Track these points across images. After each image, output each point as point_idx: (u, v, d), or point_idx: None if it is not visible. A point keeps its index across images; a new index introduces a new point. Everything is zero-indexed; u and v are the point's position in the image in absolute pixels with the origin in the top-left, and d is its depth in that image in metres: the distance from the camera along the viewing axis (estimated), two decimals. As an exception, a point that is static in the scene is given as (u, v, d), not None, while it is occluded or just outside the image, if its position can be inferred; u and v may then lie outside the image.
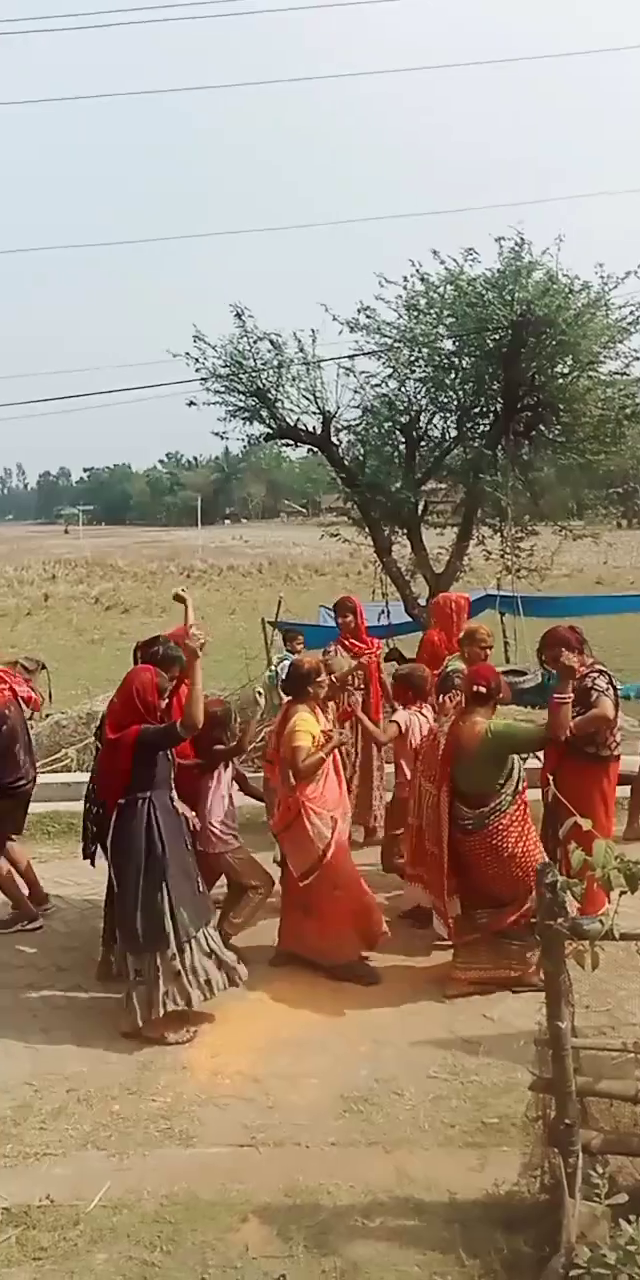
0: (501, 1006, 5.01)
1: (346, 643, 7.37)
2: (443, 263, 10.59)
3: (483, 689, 5.12)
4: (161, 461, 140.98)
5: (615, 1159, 3.38)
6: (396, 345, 10.83)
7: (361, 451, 11.40)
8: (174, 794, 5.11)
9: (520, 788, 5.11)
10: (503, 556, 12.23)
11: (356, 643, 7.42)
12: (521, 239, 10.14)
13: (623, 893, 3.02)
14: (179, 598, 5.62)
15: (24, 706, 6.35)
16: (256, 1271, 3.30)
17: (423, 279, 10.72)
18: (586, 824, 2.99)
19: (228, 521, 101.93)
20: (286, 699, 5.83)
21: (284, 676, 6.50)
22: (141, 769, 4.93)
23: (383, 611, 12.36)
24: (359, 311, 10.77)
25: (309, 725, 5.43)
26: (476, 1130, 4.02)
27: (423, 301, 10.75)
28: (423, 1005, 5.11)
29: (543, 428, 11.15)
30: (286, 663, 11.40)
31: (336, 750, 5.56)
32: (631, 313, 10.29)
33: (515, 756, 5.14)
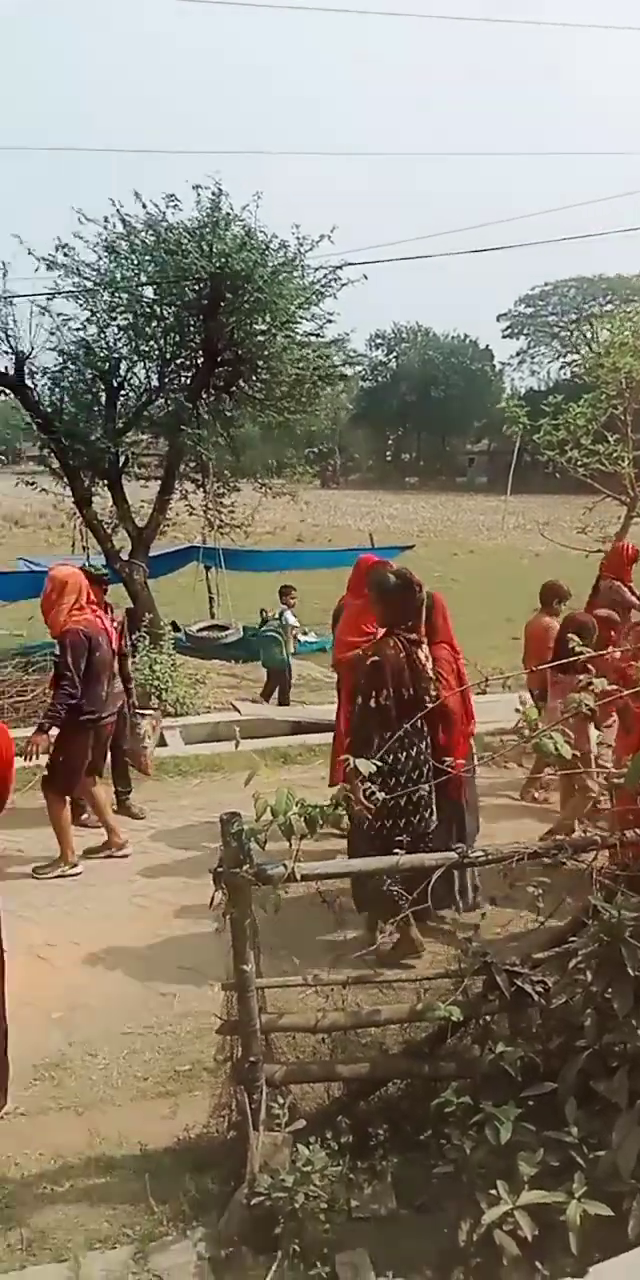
0: (196, 956, 5.09)
1: None
2: (144, 206, 10.31)
3: None
4: None
5: (299, 1087, 3.58)
6: (97, 288, 10.43)
7: (59, 397, 10.90)
8: None
9: None
10: (205, 511, 12.27)
11: None
12: (219, 189, 10.07)
13: (303, 836, 3.16)
14: None
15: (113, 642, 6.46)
16: None
17: (124, 220, 10.37)
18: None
19: None
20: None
21: None
22: None
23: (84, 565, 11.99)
24: (57, 249, 10.22)
25: None
26: (169, 1080, 4.08)
27: (124, 245, 10.41)
28: (119, 963, 5.10)
29: (243, 383, 11.26)
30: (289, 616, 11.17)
31: None
32: (325, 276, 10.60)
33: None
